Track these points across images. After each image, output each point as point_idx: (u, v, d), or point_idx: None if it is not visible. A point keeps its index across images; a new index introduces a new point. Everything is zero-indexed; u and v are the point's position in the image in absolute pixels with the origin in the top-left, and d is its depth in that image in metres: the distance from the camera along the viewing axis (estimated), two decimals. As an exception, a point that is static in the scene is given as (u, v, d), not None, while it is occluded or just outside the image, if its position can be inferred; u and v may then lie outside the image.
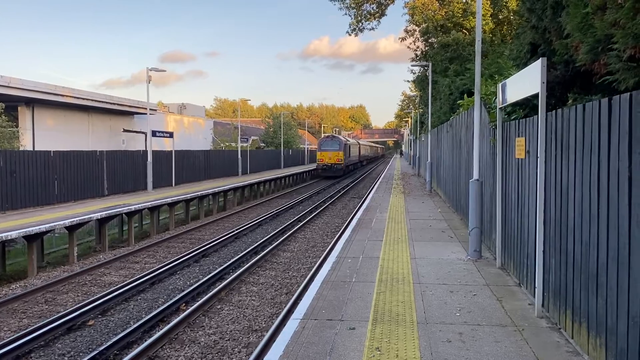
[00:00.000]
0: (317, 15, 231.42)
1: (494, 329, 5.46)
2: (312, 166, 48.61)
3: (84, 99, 27.03)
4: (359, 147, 60.69)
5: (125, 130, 32.06)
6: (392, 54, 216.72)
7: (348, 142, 50.27)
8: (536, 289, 5.89)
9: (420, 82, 35.38)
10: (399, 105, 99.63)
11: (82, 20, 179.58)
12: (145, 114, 28.05)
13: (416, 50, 31.71)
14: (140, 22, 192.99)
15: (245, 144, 38.94)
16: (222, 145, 44.82)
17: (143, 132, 30.70)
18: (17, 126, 24.42)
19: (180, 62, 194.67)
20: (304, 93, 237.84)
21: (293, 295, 9.85)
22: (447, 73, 23.44)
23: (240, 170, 36.06)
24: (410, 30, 31.91)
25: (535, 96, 5.76)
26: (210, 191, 23.26)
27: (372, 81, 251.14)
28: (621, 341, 3.85)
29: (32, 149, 23.40)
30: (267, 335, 7.53)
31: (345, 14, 29.59)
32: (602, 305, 4.21)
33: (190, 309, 8.91)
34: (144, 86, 23.78)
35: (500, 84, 7.75)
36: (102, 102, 28.64)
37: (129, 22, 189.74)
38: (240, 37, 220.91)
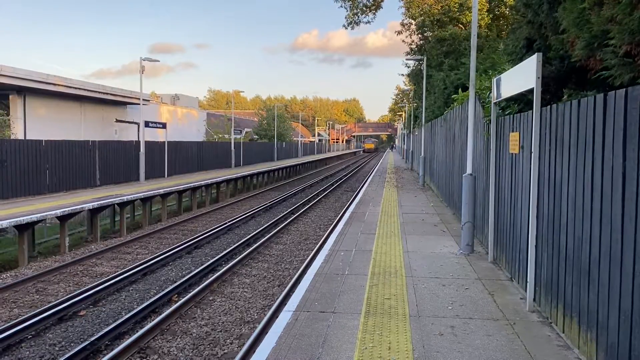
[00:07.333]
0: (305, 8, 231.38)
1: (485, 322, 5.49)
2: (306, 159, 53.41)
3: (76, 88, 26.73)
4: (376, 142, 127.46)
5: (117, 121, 31.80)
6: (381, 48, 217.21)
7: (374, 141, 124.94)
8: (528, 284, 5.92)
9: (414, 76, 35.37)
10: (393, 99, 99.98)
11: (71, 10, 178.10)
12: (138, 104, 27.85)
13: (411, 44, 31.67)
14: (129, 12, 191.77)
15: (238, 136, 38.80)
16: (215, 137, 44.57)
17: (136, 123, 30.46)
18: (8, 115, 24.16)
19: (169, 53, 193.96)
20: (296, 86, 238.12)
21: (286, 287, 9.85)
22: (442, 67, 23.44)
23: (233, 162, 35.95)
24: (406, 24, 31.85)
25: (530, 91, 5.76)
26: (203, 183, 23.18)
27: (362, 75, 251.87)
28: (612, 336, 3.88)
29: (23, 138, 23.18)
30: (260, 326, 7.53)
31: (341, 6, 29.42)
32: (594, 300, 4.24)
33: (182, 300, 8.89)
34: (134, 76, 23.89)
35: (495, 79, 7.75)
36: (95, 91, 28.35)
37: (117, 12, 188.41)
38: (229, 29, 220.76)
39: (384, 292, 6.59)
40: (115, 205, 17.04)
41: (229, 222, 17.51)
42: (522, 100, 7.48)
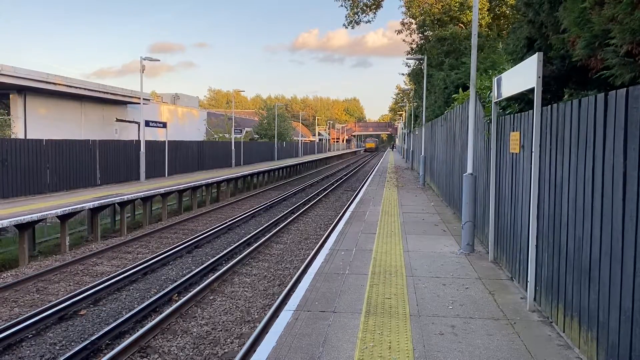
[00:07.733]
0: (305, 8, 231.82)
1: (486, 322, 5.48)
2: (307, 159, 53.71)
3: (77, 87, 26.76)
4: (376, 141, 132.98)
5: (118, 120, 31.81)
6: (381, 48, 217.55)
7: (374, 140, 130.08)
8: (528, 283, 5.92)
9: (415, 75, 35.36)
10: (393, 98, 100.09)
11: (71, 10, 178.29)
12: (139, 103, 27.86)
13: (412, 44, 31.65)
14: (129, 12, 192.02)
15: (238, 136, 38.72)
16: (215, 136, 44.59)
17: (136, 122, 30.49)
18: (8, 114, 24.18)
19: (170, 52, 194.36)
20: (296, 85, 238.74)
21: (286, 286, 9.85)
22: (443, 67, 23.43)
23: (233, 161, 35.96)
24: (407, 24, 31.84)
25: (531, 91, 5.76)
26: (203, 182, 23.18)
27: (363, 74, 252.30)
28: (612, 335, 3.88)
29: (24, 138, 23.19)
30: (260, 326, 7.54)
31: (341, 5, 29.41)
32: (594, 300, 4.23)
33: (183, 299, 8.90)
34: (135, 76, 24.14)
35: (495, 78, 7.74)
36: (95, 91, 28.38)
37: (117, 12, 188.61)
38: (229, 29, 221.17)
39: (385, 292, 6.59)
40: (116, 204, 17.05)
41: (230, 221, 17.51)
42: (523, 100, 7.47)
